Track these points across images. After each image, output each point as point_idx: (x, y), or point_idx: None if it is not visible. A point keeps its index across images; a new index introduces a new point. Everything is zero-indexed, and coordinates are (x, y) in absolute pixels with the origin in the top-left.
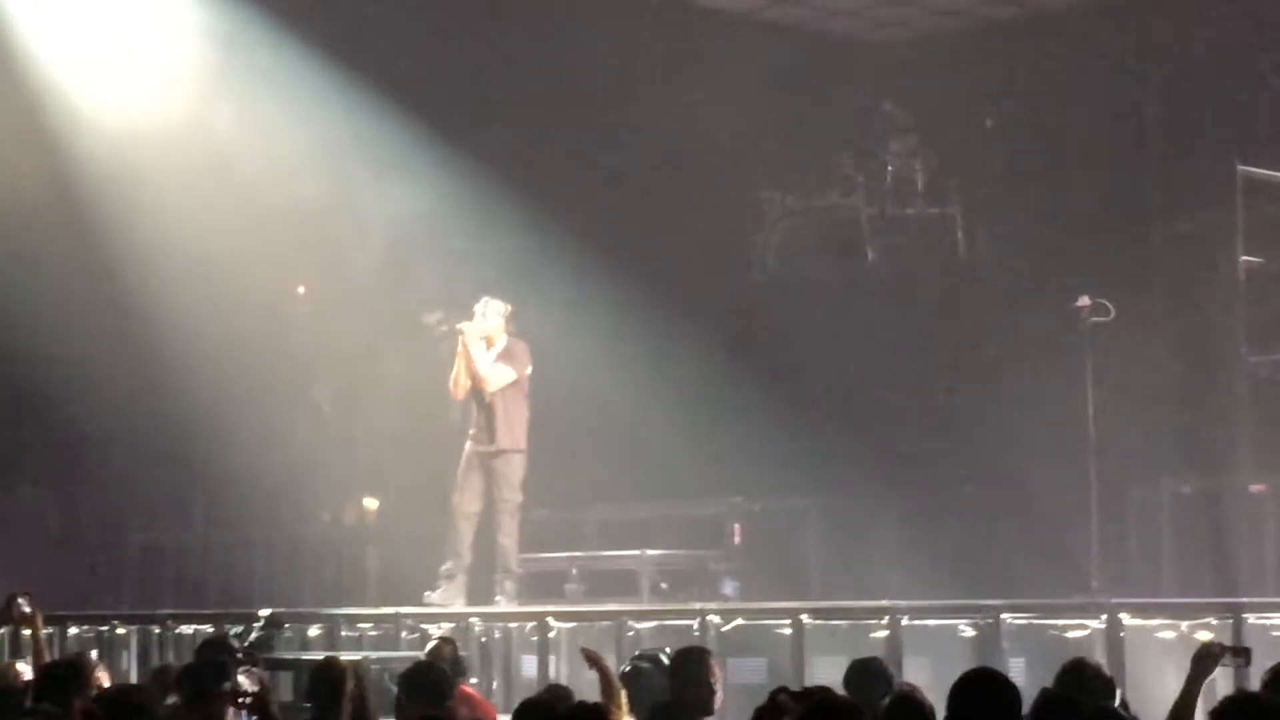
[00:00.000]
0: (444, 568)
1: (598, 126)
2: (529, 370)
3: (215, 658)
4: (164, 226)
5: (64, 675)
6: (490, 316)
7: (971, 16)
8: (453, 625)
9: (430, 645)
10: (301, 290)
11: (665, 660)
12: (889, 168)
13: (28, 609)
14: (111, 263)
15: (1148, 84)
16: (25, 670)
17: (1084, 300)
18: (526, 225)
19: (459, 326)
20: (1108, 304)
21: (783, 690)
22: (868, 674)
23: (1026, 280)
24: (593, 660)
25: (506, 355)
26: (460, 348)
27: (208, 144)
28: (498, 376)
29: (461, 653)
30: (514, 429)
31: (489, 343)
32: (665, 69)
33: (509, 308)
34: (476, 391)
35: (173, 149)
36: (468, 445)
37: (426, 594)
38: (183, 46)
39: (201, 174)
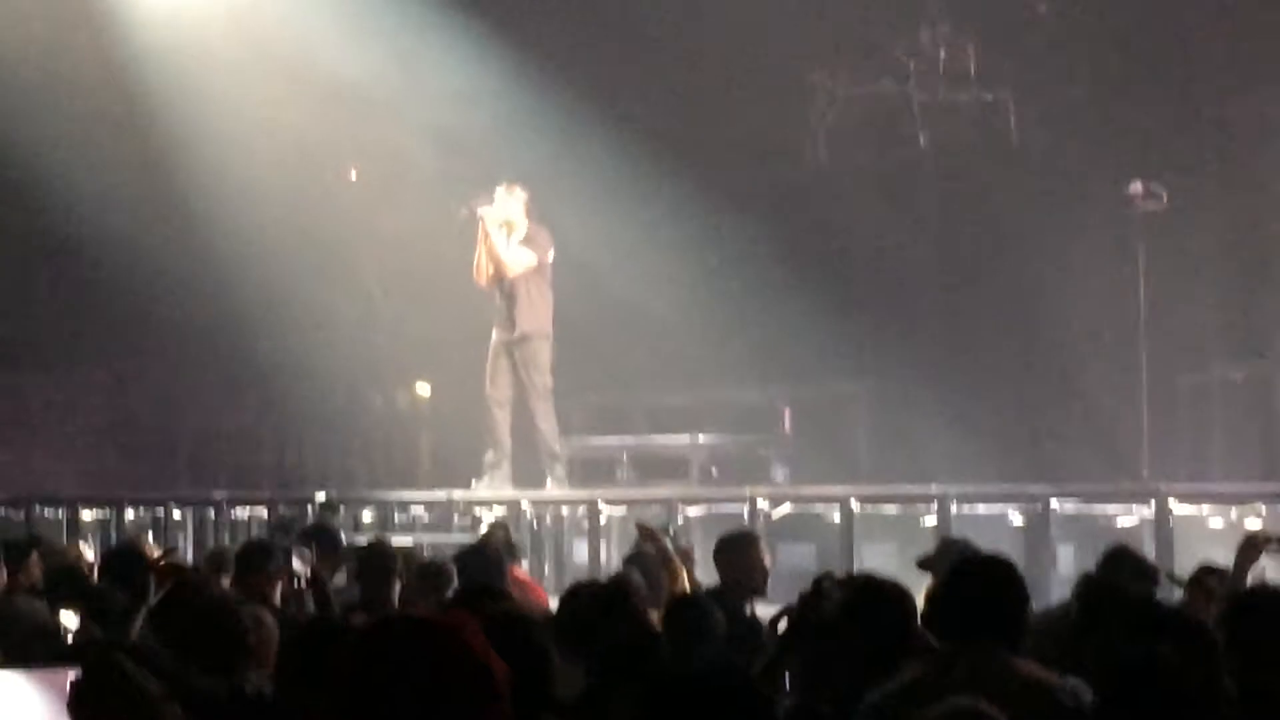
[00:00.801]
0: (486, 457)
1: (638, 12)
2: (551, 256)
3: (270, 540)
4: (216, 109)
5: (126, 556)
6: (512, 202)
7: None
8: (504, 509)
9: (483, 530)
10: (353, 174)
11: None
12: (941, 53)
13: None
14: (165, 146)
15: None
16: (87, 551)
17: (1136, 186)
18: (571, 109)
19: (479, 212)
20: (1161, 189)
21: (827, 576)
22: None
23: (1079, 166)
24: (648, 534)
25: (527, 241)
26: (480, 233)
27: (259, 23)
28: (517, 261)
29: (514, 537)
30: (537, 314)
31: (510, 228)
32: None
33: (527, 194)
34: (499, 278)
35: (224, 28)
36: (494, 332)
37: (474, 483)
38: None
39: (253, 55)
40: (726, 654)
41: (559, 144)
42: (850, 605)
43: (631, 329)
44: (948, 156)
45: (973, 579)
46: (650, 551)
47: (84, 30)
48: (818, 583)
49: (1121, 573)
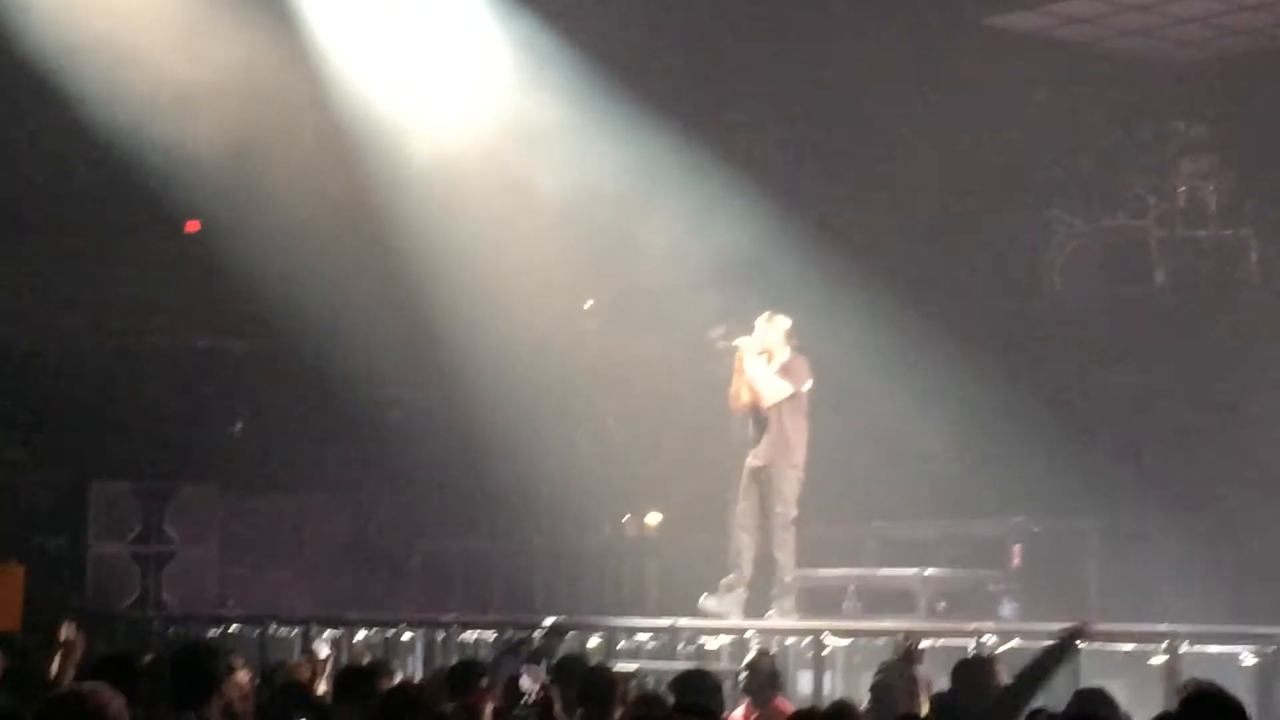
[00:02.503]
0: (725, 579)
1: (883, 143)
2: (808, 385)
3: (493, 659)
4: (463, 242)
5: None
6: (772, 331)
7: (1268, 35)
8: (730, 638)
9: (749, 656)
10: (589, 304)
11: None
12: (1180, 189)
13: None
14: (413, 278)
15: None
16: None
17: None
18: (815, 241)
19: (736, 342)
20: None
21: (1042, 711)
22: None
23: None
24: (907, 651)
25: (785, 370)
26: (737, 363)
27: (507, 160)
28: (774, 391)
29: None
30: (789, 444)
31: (770, 357)
32: (951, 82)
33: (790, 322)
34: (754, 406)
35: (474, 164)
36: (747, 459)
37: (704, 597)
38: (489, 65)
39: (501, 191)
40: None
41: (798, 278)
42: None
43: (863, 460)
44: (1186, 292)
45: (1204, 712)
46: (900, 668)
47: (342, 161)
48: (1034, 716)
49: None
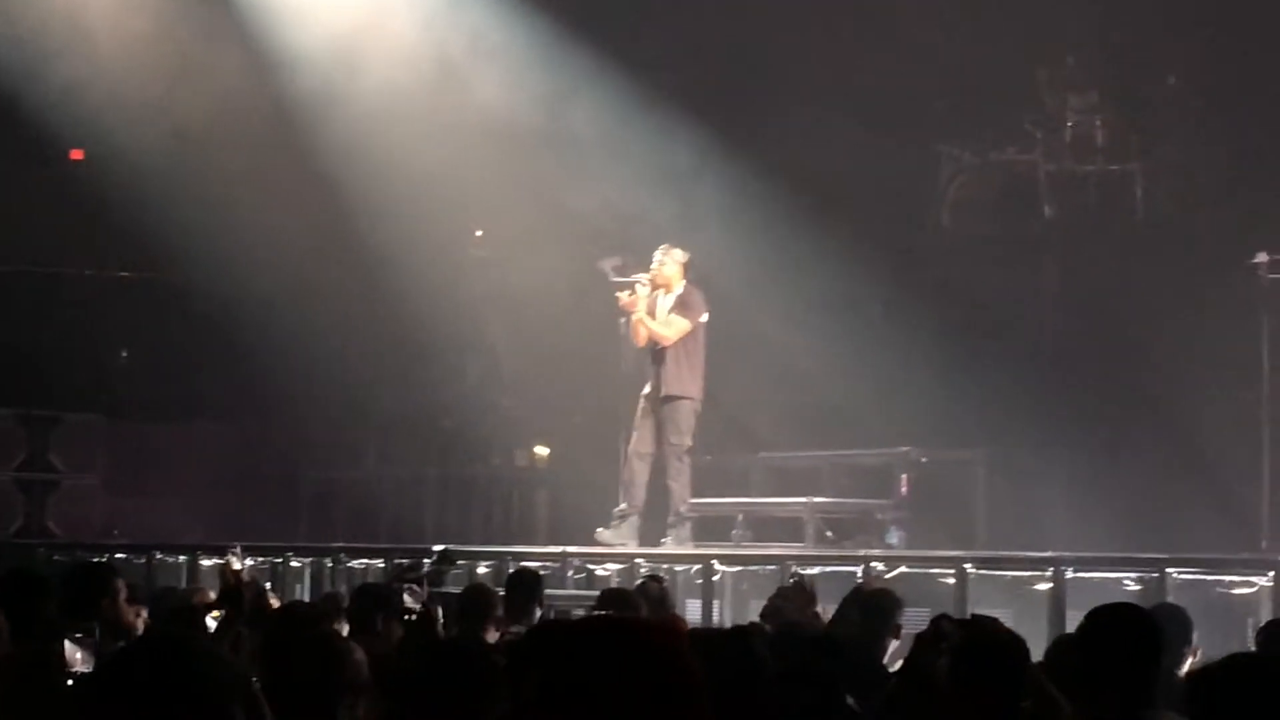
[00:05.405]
0: (618, 508)
1: (773, 72)
2: (704, 318)
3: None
4: (357, 167)
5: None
6: (669, 263)
7: None
8: (620, 565)
9: (639, 582)
10: (479, 233)
11: None
12: (1069, 124)
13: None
14: (304, 204)
15: None
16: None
17: (1262, 256)
18: (705, 169)
19: (634, 277)
20: None
21: (945, 617)
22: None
23: (1205, 238)
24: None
25: (681, 304)
26: (632, 302)
27: (411, 83)
28: (672, 330)
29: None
30: (684, 377)
31: (666, 288)
32: (843, 16)
33: (686, 255)
34: (652, 340)
35: (375, 84)
36: (644, 390)
37: (599, 530)
38: None
39: (403, 115)
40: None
41: (689, 208)
42: (967, 647)
43: (751, 391)
44: (1073, 226)
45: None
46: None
47: (252, 71)
48: (936, 622)
49: None
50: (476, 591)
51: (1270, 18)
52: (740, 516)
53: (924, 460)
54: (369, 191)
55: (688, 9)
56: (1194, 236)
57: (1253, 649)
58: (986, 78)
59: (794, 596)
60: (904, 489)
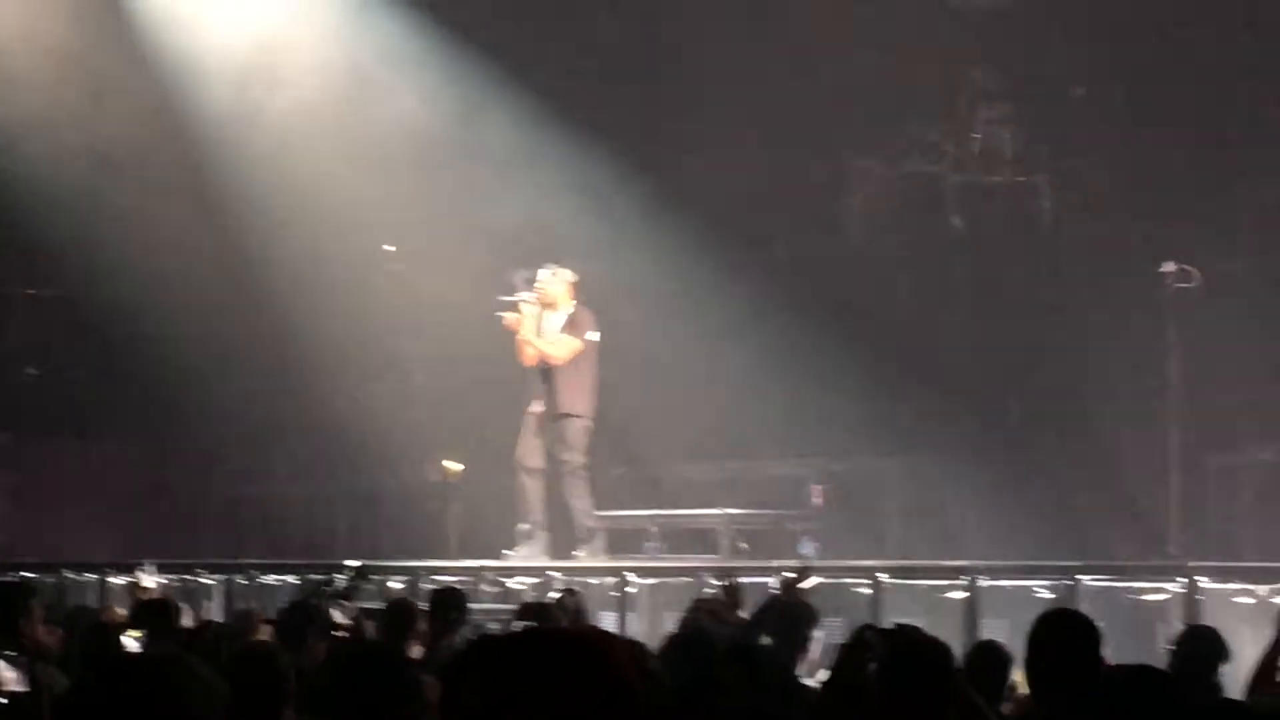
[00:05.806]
0: (520, 527)
1: (683, 88)
2: (595, 337)
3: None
4: (269, 181)
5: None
6: (555, 283)
7: None
8: (535, 579)
9: (557, 596)
10: (389, 248)
11: None
12: (976, 135)
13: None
14: (215, 218)
15: (1233, 53)
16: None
17: (1169, 266)
18: (607, 183)
19: (521, 299)
20: (1193, 270)
21: (869, 627)
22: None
23: (1112, 247)
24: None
25: (571, 324)
26: (519, 323)
27: (317, 97)
28: (565, 350)
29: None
30: (574, 395)
31: (553, 307)
32: (757, 30)
33: (574, 275)
34: (542, 359)
35: (286, 99)
36: (532, 404)
37: (504, 553)
38: None
39: (312, 131)
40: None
41: (593, 222)
42: (893, 656)
43: (663, 402)
44: (982, 237)
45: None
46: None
47: (146, 84)
48: (860, 632)
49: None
50: (399, 607)
51: (1175, 31)
52: (654, 529)
53: (837, 469)
54: (279, 206)
55: (596, 23)
56: (1101, 247)
57: (1162, 654)
58: (895, 90)
59: (725, 598)
60: (818, 499)
